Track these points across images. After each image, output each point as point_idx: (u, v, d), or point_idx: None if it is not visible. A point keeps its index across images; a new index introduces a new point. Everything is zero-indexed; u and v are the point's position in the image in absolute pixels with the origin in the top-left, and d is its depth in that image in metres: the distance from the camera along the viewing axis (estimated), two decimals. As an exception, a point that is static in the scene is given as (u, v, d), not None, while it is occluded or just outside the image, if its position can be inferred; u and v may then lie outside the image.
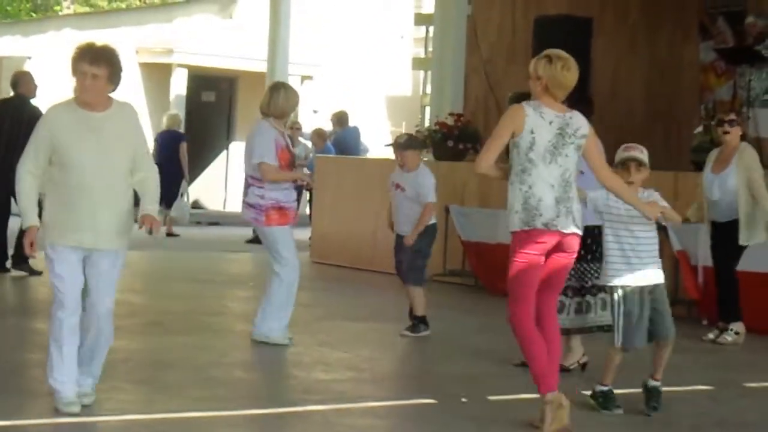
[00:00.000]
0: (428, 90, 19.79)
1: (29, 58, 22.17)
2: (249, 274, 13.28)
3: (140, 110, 22.01)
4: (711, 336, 9.49)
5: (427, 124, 15.90)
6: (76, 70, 5.92)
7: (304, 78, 23.91)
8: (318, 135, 17.69)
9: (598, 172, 6.36)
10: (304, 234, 17.46)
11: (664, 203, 6.68)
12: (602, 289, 7.60)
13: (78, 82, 5.90)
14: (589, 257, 7.71)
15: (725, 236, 9.42)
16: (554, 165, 6.13)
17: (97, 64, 5.96)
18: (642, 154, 6.73)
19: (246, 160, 8.45)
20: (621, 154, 6.78)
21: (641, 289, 6.64)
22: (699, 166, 10.92)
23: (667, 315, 6.72)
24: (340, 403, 6.63)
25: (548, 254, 6.19)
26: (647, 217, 6.52)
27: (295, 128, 17.28)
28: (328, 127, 18.67)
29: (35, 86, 11.88)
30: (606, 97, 14.35)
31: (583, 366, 7.88)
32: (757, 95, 13.71)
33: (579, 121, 6.26)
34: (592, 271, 7.73)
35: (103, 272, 6.03)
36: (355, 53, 24.90)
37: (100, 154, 5.89)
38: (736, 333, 9.43)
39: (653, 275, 6.68)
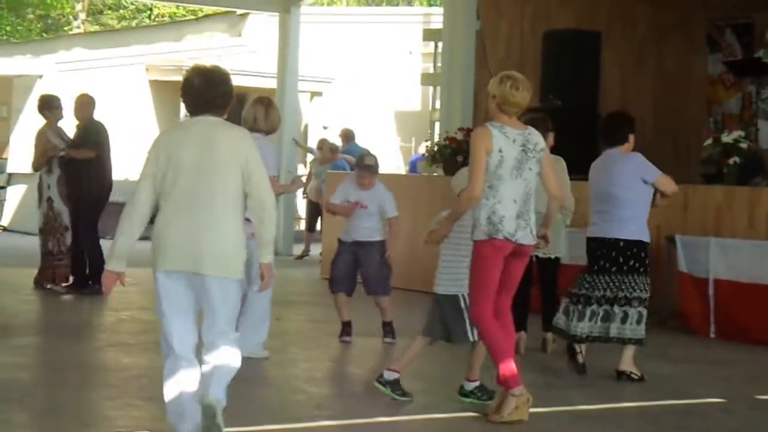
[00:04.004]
0: (437, 105, 19.80)
1: (40, 77, 22.28)
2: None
3: (150, 128, 22.23)
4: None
5: (436, 138, 15.92)
6: None
7: (313, 94, 24.00)
8: (330, 150, 17.82)
9: (552, 184, 6.77)
10: (315, 250, 17.55)
11: None
12: (630, 302, 7.82)
13: None
14: (625, 269, 7.95)
15: None
16: (519, 180, 6.59)
17: None
18: None
19: None
20: None
21: None
22: (708, 179, 10.96)
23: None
24: (353, 419, 6.63)
25: (506, 259, 6.63)
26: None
27: (331, 148, 17.64)
28: (337, 143, 18.76)
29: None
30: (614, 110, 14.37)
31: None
32: (764, 107, 13.71)
33: (537, 137, 6.71)
34: (627, 283, 7.94)
35: None
36: (364, 69, 24.95)
37: None
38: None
39: None
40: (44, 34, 36.56)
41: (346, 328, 9.59)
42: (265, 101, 8.77)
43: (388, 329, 9.62)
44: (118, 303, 11.36)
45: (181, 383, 5.48)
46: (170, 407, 5.50)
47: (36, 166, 12.06)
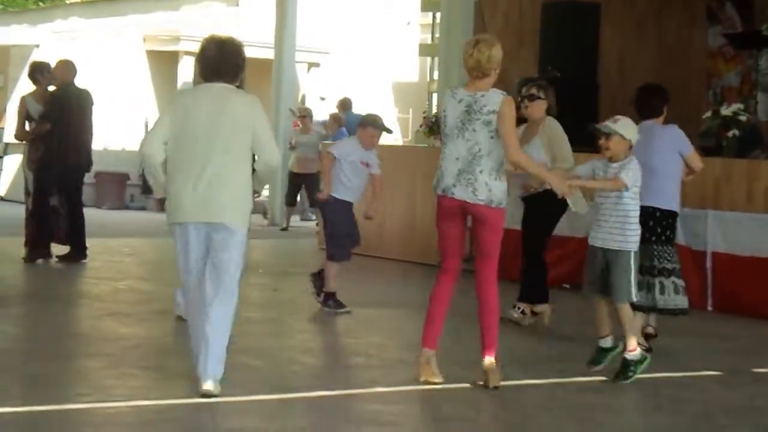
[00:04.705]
0: (435, 76, 19.77)
1: (37, 46, 22.18)
2: (258, 260, 13.29)
3: (146, 97, 22.16)
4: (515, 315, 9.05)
5: (434, 110, 15.87)
6: None
7: (311, 65, 23.90)
8: (333, 120, 17.76)
9: (507, 148, 6.72)
10: (312, 221, 17.53)
11: (625, 176, 7.01)
12: (664, 272, 7.96)
13: None
14: (663, 238, 8.01)
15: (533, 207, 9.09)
16: (461, 139, 6.73)
17: None
18: (614, 123, 7.09)
19: None
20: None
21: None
22: (707, 151, 10.92)
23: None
24: (349, 389, 6.64)
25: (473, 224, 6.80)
26: (556, 191, 6.97)
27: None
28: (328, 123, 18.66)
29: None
30: (614, 83, 14.33)
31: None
32: (763, 80, 13.67)
33: (490, 100, 6.71)
34: (662, 253, 8.00)
35: None
36: (362, 40, 24.86)
37: None
38: (523, 312, 9.08)
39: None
40: (41, 3, 36.38)
41: (334, 297, 9.44)
42: None
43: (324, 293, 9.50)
44: (116, 273, 11.33)
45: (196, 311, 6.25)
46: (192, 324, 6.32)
47: (16, 136, 11.96)
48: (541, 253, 9.09)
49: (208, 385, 6.15)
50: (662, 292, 8.00)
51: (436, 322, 6.82)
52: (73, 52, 19.73)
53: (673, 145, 8.11)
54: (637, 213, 7.12)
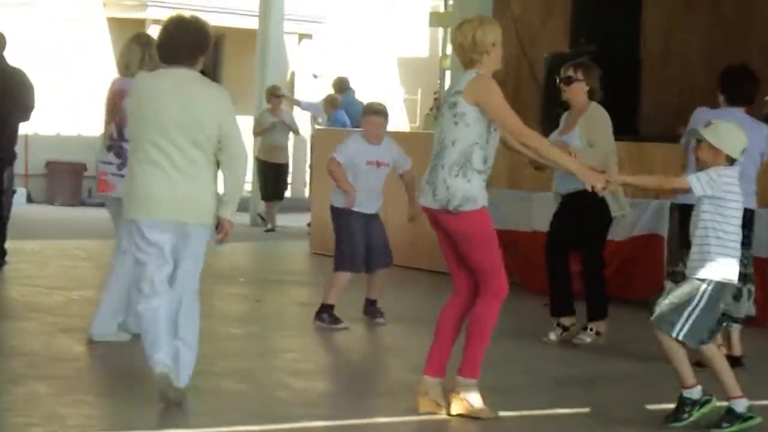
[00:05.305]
0: (449, 51, 19.78)
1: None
2: (239, 267, 13.32)
3: (108, 70, 21.99)
4: (553, 337, 9.15)
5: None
6: None
7: (301, 36, 23.94)
8: (329, 102, 17.73)
9: (505, 128, 6.64)
10: (302, 221, 17.52)
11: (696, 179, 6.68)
12: (748, 278, 8.15)
13: None
14: (745, 242, 7.88)
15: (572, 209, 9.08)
16: (437, 128, 6.74)
17: None
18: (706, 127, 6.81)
19: None
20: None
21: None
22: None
23: None
24: (345, 419, 6.64)
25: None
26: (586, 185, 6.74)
27: (279, 95, 17.32)
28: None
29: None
30: (658, 59, 14.32)
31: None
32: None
33: (465, 77, 6.65)
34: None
35: None
36: (362, 7, 24.90)
37: None
38: (597, 333, 9.13)
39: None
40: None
41: (331, 311, 9.50)
42: (144, 40, 8.58)
43: (375, 308, 9.65)
44: (69, 280, 11.35)
45: (158, 314, 6.59)
46: (146, 335, 6.62)
47: None
48: (600, 270, 9.17)
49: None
50: (736, 299, 8.06)
51: (439, 346, 6.80)
52: (25, 20, 19.81)
53: (760, 144, 8.26)
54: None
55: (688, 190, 6.73)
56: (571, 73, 9.09)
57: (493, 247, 6.68)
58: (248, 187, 18.33)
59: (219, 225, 6.64)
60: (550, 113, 11.61)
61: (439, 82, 20.90)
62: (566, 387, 7.76)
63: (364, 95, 18.35)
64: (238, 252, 14.25)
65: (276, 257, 14.82)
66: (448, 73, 17.73)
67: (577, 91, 9.05)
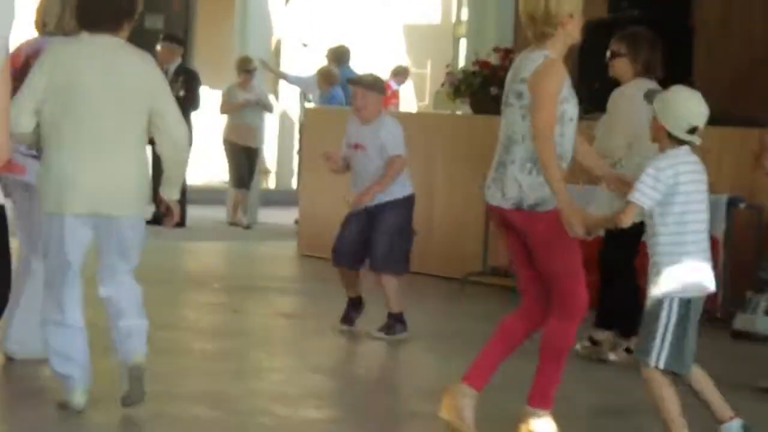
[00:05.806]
0: (464, 16, 19.74)
1: None
2: (214, 271, 13.26)
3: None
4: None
5: (462, 63, 15.82)
6: None
7: (289, -2, 23.94)
8: (324, 76, 17.51)
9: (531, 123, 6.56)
10: (288, 216, 17.45)
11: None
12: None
13: None
14: None
15: None
16: (504, 119, 6.74)
17: None
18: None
19: None
20: None
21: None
22: None
23: None
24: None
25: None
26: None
27: (250, 69, 17.20)
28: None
29: None
30: (714, 27, 14.24)
31: None
32: None
33: (529, 61, 6.58)
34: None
35: None
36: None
37: None
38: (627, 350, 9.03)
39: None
40: None
41: (391, 320, 9.53)
42: None
43: (390, 322, 9.59)
44: None
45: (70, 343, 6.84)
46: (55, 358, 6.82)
47: None
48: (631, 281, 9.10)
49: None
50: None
51: (485, 354, 6.81)
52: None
53: None
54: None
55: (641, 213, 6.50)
56: (614, 46, 9.05)
57: (575, 255, 6.62)
58: (224, 176, 18.31)
59: (166, 208, 6.84)
60: (584, 89, 11.53)
61: (452, 52, 20.82)
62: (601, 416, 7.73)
63: (364, 67, 18.18)
64: (212, 253, 14.28)
65: (257, 260, 14.83)
66: (462, 43, 17.66)
67: (620, 68, 8.99)
